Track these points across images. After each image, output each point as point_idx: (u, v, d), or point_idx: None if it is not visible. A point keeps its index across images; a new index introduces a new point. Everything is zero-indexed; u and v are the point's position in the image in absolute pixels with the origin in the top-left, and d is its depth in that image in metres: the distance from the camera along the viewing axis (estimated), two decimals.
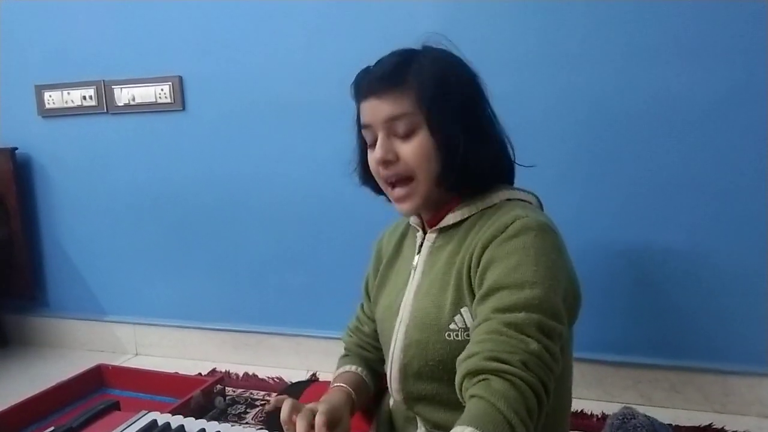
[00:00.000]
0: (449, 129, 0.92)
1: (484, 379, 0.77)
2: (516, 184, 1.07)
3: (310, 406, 0.93)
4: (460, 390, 0.82)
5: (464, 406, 0.78)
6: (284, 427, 0.92)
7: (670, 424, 1.52)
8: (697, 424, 1.59)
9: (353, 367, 1.13)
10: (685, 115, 1.59)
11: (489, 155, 0.95)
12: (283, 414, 0.92)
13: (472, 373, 0.79)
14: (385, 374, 1.06)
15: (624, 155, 1.66)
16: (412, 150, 0.93)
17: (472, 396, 0.77)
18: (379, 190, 1.04)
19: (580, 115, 1.67)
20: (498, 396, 0.74)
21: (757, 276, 1.60)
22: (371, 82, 0.94)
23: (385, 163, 0.94)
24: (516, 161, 1.04)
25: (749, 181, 1.57)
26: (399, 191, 0.96)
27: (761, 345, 1.61)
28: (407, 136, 0.93)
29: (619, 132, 1.65)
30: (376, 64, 0.97)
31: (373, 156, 0.96)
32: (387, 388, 1.09)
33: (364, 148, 1.03)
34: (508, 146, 1.02)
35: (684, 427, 1.58)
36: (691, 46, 1.56)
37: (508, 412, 0.72)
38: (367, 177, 1.05)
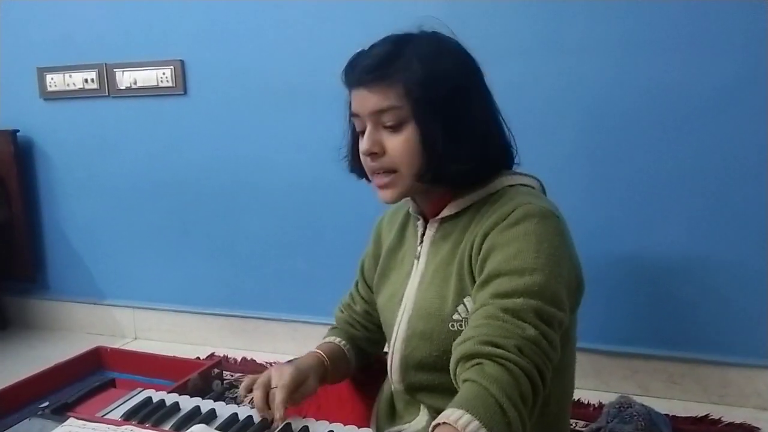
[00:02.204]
0: (432, 126, 0.90)
1: (477, 364, 0.77)
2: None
3: (267, 376, 0.96)
4: (455, 374, 0.82)
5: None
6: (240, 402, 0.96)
7: (666, 414, 1.52)
8: (694, 415, 1.59)
9: (336, 339, 1.13)
10: (687, 107, 1.59)
11: (472, 154, 0.92)
12: (241, 390, 0.98)
13: (466, 357, 0.79)
14: (385, 362, 1.05)
15: (624, 148, 1.65)
16: (399, 144, 0.91)
17: (465, 380, 0.76)
18: (364, 176, 1.03)
19: (581, 106, 1.67)
20: (491, 380, 0.73)
21: (756, 268, 1.59)
22: (360, 73, 0.92)
23: (371, 155, 0.94)
24: (515, 150, 1.01)
25: (749, 175, 1.57)
26: (382, 179, 0.95)
27: (760, 337, 1.61)
28: (395, 129, 0.91)
29: (619, 124, 1.65)
30: (369, 50, 0.95)
31: (361, 146, 0.95)
32: (386, 372, 1.08)
33: (354, 135, 1.02)
34: (507, 134, 1.00)
35: (681, 417, 1.58)
36: (691, 37, 1.55)
37: (500, 397, 0.72)
38: (355, 163, 1.04)
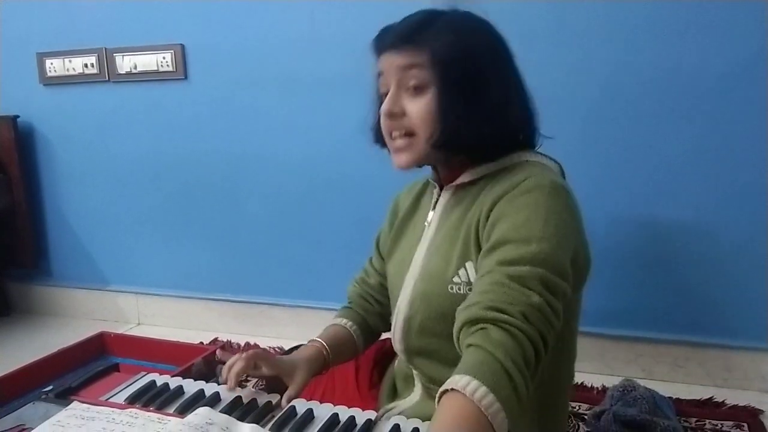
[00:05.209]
0: (452, 95, 0.91)
1: (482, 328, 0.77)
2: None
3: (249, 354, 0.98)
4: (458, 339, 0.82)
5: (461, 357, 0.77)
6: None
7: (670, 398, 1.52)
8: (698, 398, 1.59)
9: (343, 321, 1.14)
10: (691, 92, 1.58)
11: (487, 128, 0.93)
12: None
13: (471, 322, 0.79)
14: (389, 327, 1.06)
15: (630, 134, 1.64)
16: (419, 108, 0.93)
17: (470, 345, 0.76)
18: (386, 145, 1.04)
19: (590, 90, 1.65)
20: (496, 345, 0.73)
21: (761, 253, 1.59)
22: (389, 37, 0.95)
23: (390, 115, 0.95)
24: (540, 131, 1.02)
25: (754, 161, 1.56)
26: (399, 142, 0.96)
27: (764, 321, 1.61)
28: (417, 92, 0.93)
29: (628, 107, 1.63)
30: (402, 19, 0.97)
31: (382, 107, 0.96)
32: (393, 356, 1.09)
33: (380, 108, 1.02)
34: (532, 114, 1.00)
35: (685, 400, 1.58)
36: (695, 23, 1.54)
37: (506, 362, 0.72)
38: (378, 135, 1.05)
